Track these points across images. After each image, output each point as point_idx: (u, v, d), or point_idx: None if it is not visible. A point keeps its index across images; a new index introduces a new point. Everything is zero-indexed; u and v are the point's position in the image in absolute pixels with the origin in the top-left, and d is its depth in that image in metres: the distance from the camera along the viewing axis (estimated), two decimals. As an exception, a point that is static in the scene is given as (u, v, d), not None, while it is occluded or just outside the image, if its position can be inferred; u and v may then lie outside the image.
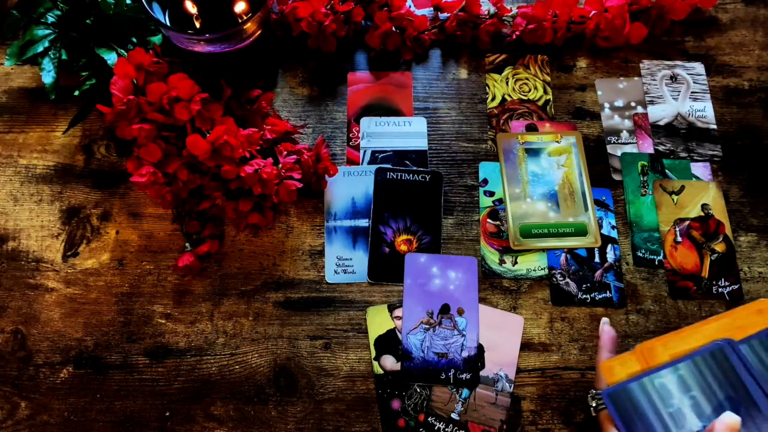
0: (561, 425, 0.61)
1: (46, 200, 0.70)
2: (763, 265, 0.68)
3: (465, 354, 0.63)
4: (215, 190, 0.65)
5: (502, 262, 0.67)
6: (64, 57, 0.71)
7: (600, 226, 0.69)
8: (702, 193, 0.71)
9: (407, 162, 0.72)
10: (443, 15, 0.79)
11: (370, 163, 0.72)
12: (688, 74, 0.78)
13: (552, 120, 0.75)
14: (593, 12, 0.77)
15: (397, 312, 0.65)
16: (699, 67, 0.78)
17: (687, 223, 0.69)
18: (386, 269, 0.67)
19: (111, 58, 0.68)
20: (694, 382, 0.46)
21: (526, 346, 0.64)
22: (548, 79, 0.77)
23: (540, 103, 0.76)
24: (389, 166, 0.71)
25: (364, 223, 0.69)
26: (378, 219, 0.69)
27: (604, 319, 0.58)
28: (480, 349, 0.63)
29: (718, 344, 0.45)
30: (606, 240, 0.68)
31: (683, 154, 0.73)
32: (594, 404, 0.51)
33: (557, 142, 0.73)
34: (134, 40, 0.71)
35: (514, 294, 0.66)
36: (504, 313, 0.65)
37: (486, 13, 0.77)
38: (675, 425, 0.45)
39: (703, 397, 0.45)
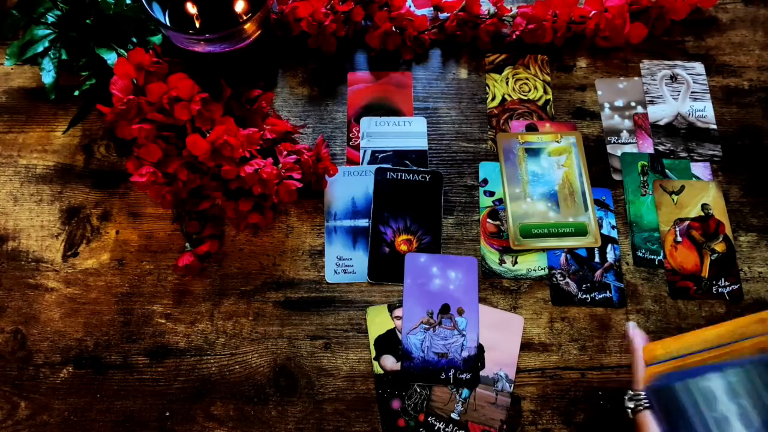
0: (561, 425, 0.61)
1: (46, 200, 0.70)
2: (763, 265, 0.68)
3: (465, 354, 0.63)
4: (215, 190, 0.65)
5: (502, 262, 0.67)
6: (64, 57, 0.71)
7: (600, 226, 0.69)
8: (702, 193, 0.71)
9: (407, 162, 0.72)
10: (443, 15, 0.79)
11: (370, 163, 0.72)
12: (688, 74, 0.78)
13: (552, 120, 0.75)
14: (593, 12, 0.77)
15: (397, 312, 0.65)
16: (699, 67, 0.78)
17: (687, 223, 0.69)
18: (386, 269, 0.67)
19: (111, 58, 0.68)
20: (744, 389, 0.44)
21: (526, 346, 0.64)
22: (548, 79, 0.77)
23: (540, 103, 0.76)
24: (389, 166, 0.71)
25: (364, 223, 0.69)
26: (378, 219, 0.69)
27: (631, 323, 0.58)
28: (480, 349, 0.63)
29: None
30: (606, 240, 0.68)
31: (683, 154, 0.73)
32: (632, 405, 0.50)
33: (557, 142, 0.73)
34: (134, 40, 0.71)
35: (514, 294, 0.66)
36: (504, 313, 0.65)
37: (486, 13, 0.77)
38: (719, 431, 0.44)
39: (752, 407, 0.44)
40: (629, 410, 0.51)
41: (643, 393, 0.50)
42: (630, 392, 0.52)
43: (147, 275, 0.66)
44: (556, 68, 0.78)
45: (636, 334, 0.55)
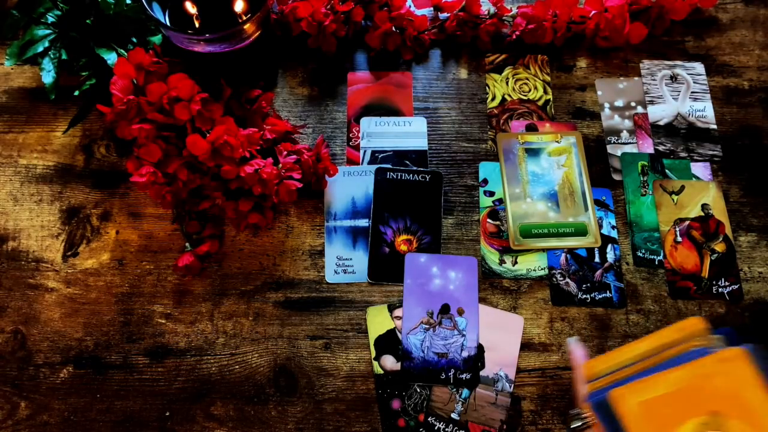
0: (561, 425, 0.61)
1: (46, 200, 0.70)
2: (763, 265, 0.68)
3: (465, 354, 0.63)
4: (215, 190, 0.65)
5: (502, 262, 0.67)
6: (64, 57, 0.71)
7: (600, 226, 0.69)
8: (702, 193, 0.71)
9: (407, 162, 0.72)
10: (443, 15, 0.79)
11: (370, 163, 0.72)
12: (688, 74, 0.78)
13: (552, 120, 0.75)
14: (593, 12, 0.77)
15: (397, 312, 0.65)
16: (699, 67, 0.78)
17: (687, 223, 0.69)
18: (386, 269, 0.67)
19: (111, 58, 0.68)
20: None
21: (526, 346, 0.64)
22: (548, 79, 0.77)
23: (540, 103, 0.76)
24: (389, 166, 0.71)
25: (364, 223, 0.69)
26: (378, 219, 0.69)
27: (571, 339, 0.57)
28: (480, 349, 0.63)
29: (716, 347, 0.45)
30: (606, 240, 0.68)
31: (683, 154, 0.73)
32: (579, 424, 0.49)
33: (557, 142, 0.73)
34: (134, 40, 0.71)
35: (514, 294, 0.66)
36: (504, 313, 0.65)
37: (486, 13, 0.77)
38: None
39: None
40: (576, 428, 0.49)
41: (587, 411, 0.49)
42: (572, 412, 0.50)
43: (147, 275, 0.66)
44: (556, 68, 0.78)
45: (576, 350, 0.54)
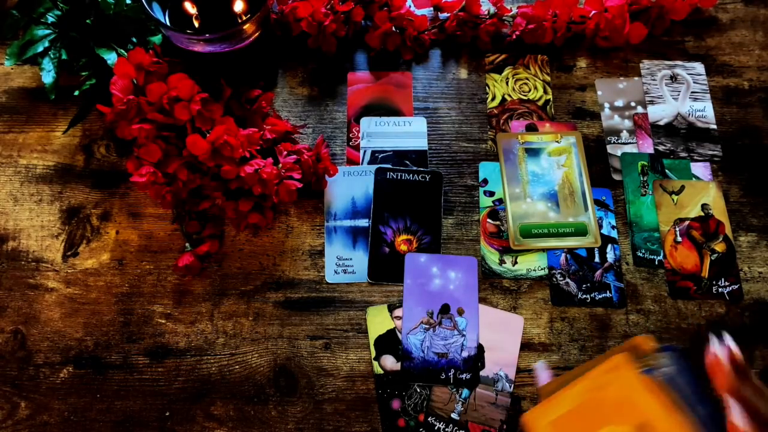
0: (561, 425, 0.61)
1: (46, 200, 0.70)
2: (763, 265, 0.68)
3: (465, 354, 0.63)
4: (215, 190, 0.65)
5: (502, 262, 0.67)
6: (64, 57, 0.71)
7: (600, 226, 0.69)
8: (702, 193, 0.71)
9: (407, 162, 0.72)
10: (443, 15, 0.79)
11: (370, 163, 0.72)
12: (688, 74, 0.78)
13: (552, 120, 0.75)
14: (593, 12, 0.77)
15: (397, 312, 0.65)
16: (699, 67, 0.78)
17: (687, 223, 0.69)
18: (386, 269, 0.67)
19: (111, 58, 0.68)
20: None
21: (526, 346, 0.64)
22: (548, 79, 0.77)
23: (540, 103, 0.76)
24: (389, 166, 0.71)
25: (364, 223, 0.69)
26: (378, 219, 0.69)
27: (538, 364, 0.54)
28: (480, 349, 0.63)
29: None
30: (606, 240, 0.68)
31: (683, 154, 0.73)
32: None
33: (557, 142, 0.73)
34: (134, 40, 0.71)
35: (514, 294, 0.66)
36: (504, 313, 0.65)
37: (486, 13, 0.77)
38: None
39: None
40: None
41: None
42: None
43: (147, 275, 0.66)
44: (556, 68, 0.78)
45: (540, 374, 0.51)
